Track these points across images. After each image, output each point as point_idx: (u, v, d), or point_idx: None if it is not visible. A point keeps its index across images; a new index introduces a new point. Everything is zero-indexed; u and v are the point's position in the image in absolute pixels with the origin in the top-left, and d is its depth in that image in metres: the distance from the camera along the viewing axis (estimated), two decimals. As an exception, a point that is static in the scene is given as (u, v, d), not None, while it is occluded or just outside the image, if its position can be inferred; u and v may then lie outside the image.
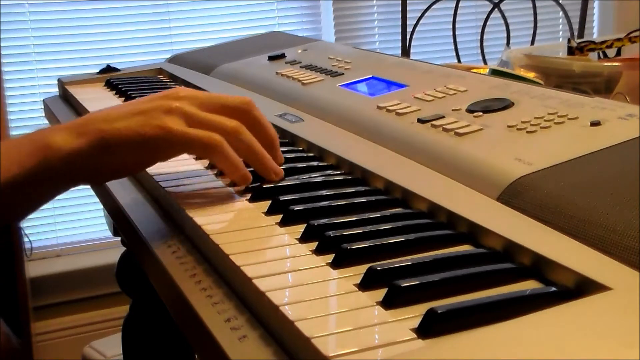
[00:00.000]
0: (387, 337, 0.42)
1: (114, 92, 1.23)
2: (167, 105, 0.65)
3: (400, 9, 2.14)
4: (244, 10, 2.47)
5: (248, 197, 0.66)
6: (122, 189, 0.76)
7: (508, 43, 2.06)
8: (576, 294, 0.45)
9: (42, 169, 0.62)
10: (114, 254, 1.37)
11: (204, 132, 0.64)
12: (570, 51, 1.25)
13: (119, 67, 1.40)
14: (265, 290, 0.47)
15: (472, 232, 0.55)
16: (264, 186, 0.67)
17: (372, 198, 0.64)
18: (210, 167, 0.76)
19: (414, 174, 0.67)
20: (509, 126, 0.69)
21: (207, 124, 0.65)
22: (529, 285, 0.48)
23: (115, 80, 1.27)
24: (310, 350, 0.41)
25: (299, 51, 1.21)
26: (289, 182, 0.68)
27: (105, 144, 0.62)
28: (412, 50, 2.14)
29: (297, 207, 0.61)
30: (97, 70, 1.38)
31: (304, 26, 2.56)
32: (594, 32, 2.86)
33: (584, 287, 0.45)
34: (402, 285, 0.46)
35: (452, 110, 0.76)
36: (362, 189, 0.67)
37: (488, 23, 2.11)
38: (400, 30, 2.14)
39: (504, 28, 2.08)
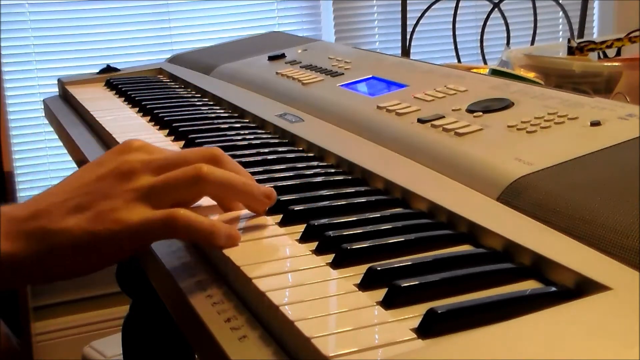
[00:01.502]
0: (387, 337, 0.42)
1: (114, 92, 1.23)
2: (121, 189, 0.55)
3: (400, 9, 2.14)
4: (244, 10, 2.47)
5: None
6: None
7: (508, 43, 2.06)
8: (576, 294, 0.45)
9: None
10: (114, 254, 1.37)
11: (161, 213, 0.54)
12: (570, 51, 1.25)
13: (119, 67, 1.40)
14: (265, 290, 0.47)
15: (472, 232, 0.55)
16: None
17: (372, 198, 0.64)
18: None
19: (414, 174, 0.67)
20: (509, 126, 0.69)
21: (164, 189, 0.56)
22: (529, 285, 0.48)
23: (115, 80, 1.27)
24: (310, 350, 0.41)
25: (299, 51, 1.21)
26: (289, 182, 0.68)
27: (51, 248, 0.54)
28: (412, 50, 2.14)
29: (297, 207, 0.61)
30: (97, 70, 1.38)
31: (304, 26, 2.56)
32: (594, 32, 2.86)
33: (584, 287, 0.45)
34: (402, 285, 0.46)
35: (452, 110, 0.76)
36: (362, 189, 0.66)
37: (488, 23, 2.11)
38: (400, 30, 2.14)
39: (504, 28, 2.08)
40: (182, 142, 0.86)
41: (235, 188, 0.59)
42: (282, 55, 1.19)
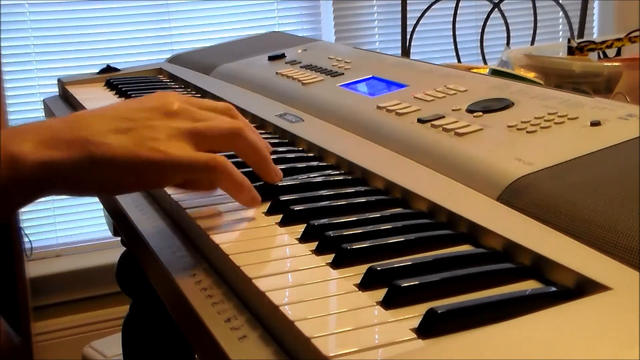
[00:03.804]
0: (387, 337, 0.42)
1: (114, 92, 1.23)
2: (164, 123, 0.59)
3: (400, 9, 2.14)
4: (244, 10, 2.47)
5: (248, 197, 0.66)
6: (122, 189, 0.76)
7: (508, 43, 2.06)
8: (576, 294, 0.45)
9: (8, 182, 0.54)
10: (114, 254, 1.37)
11: (206, 155, 0.59)
12: (570, 51, 1.25)
13: (119, 67, 1.40)
14: (265, 290, 0.48)
15: (472, 232, 0.55)
16: (264, 186, 0.67)
17: (372, 198, 0.64)
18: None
19: (414, 174, 0.67)
20: (509, 126, 0.69)
21: (206, 135, 0.60)
22: (529, 285, 0.48)
23: (115, 80, 1.27)
24: (310, 350, 0.41)
25: (299, 51, 1.21)
26: (289, 182, 0.68)
27: (92, 160, 0.55)
28: (412, 50, 2.14)
29: (297, 207, 0.61)
30: (97, 70, 1.38)
31: (304, 26, 2.56)
32: (594, 32, 2.86)
33: (584, 287, 0.45)
34: (402, 285, 0.46)
35: (452, 110, 0.76)
36: (362, 189, 0.67)
37: (488, 23, 2.11)
38: (400, 30, 2.14)
39: (504, 28, 2.08)
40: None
41: (260, 155, 0.64)
42: (282, 55, 1.19)
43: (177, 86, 1.24)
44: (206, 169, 0.59)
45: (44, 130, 0.56)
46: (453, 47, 2.13)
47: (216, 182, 0.62)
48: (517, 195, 0.57)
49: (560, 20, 2.70)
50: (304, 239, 0.57)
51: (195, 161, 0.58)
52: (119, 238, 1.22)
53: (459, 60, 2.10)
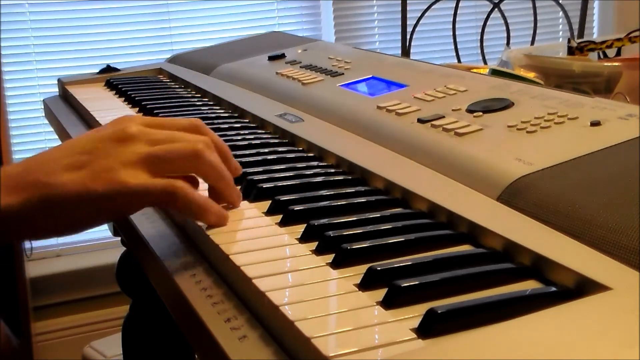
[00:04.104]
0: (387, 337, 0.42)
1: (114, 92, 1.23)
2: (119, 150, 0.57)
3: (400, 9, 2.14)
4: (244, 10, 2.47)
5: (248, 198, 0.66)
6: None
7: (508, 43, 2.06)
8: (576, 294, 0.45)
9: None
10: (114, 254, 1.37)
11: (162, 182, 0.56)
12: (570, 51, 1.25)
13: (119, 67, 1.40)
14: (265, 290, 0.48)
15: (472, 232, 0.55)
16: (264, 186, 0.67)
17: (372, 198, 0.64)
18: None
19: (414, 174, 0.67)
20: (509, 126, 0.69)
21: (164, 158, 0.58)
22: (529, 285, 0.48)
23: (115, 80, 1.27)
24: (310, 350, 0.41)
25: (299, 51, 1.21)
26: (289, 182, 0.68)
27: (48, 202, 0.54)
28: (412, 50, 2.14)
29: (297, 207, 0.61)
30: (97, 70, 1.38)
31: (304, 26, 2.56)
32: (594, 32, 2.86)
33: (584, 287, 0.45)
34: (402, 285, 0.46)
35: (452, 110, 0.76)
36: (362, 189, 0.67)
37: (488, 23, 2.11)
38: (400, 30, 2.14)
39: (504, 28, 2.08)
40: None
41: (221, 176, 0.61)
42: (282, 55, 1.19)
43: (177, 86, 1.24)
44: (163, 196, 0.56)
45: (4, 177, 0.55)
46: (453, 47, 2.13)
47: (175, 208, 0.59)
48: (517, 195, 0.57)
49: (560, 20, 2.70)
50: (304, 239, 0.57)
51: (152, 188, 0.56)
52: (119, 238, 1.22)
53: (459, 60, 2.10)
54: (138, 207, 0.58)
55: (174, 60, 1.43)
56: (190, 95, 1.15)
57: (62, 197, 0.54)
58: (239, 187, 0.67)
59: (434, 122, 0.73)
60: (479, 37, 2.11)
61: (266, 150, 0.80)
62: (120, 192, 0.55)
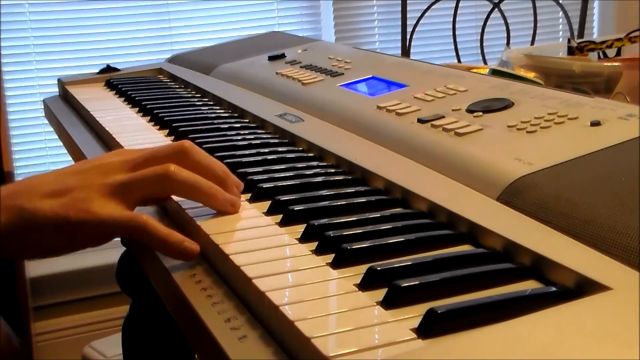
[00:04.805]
0: (387, 337, 0.42)
1: (114, 92, 1.23)
2: (99, 181, 0.59)
3: (400, 9, 2.14)
4: (244, 10, 2.47)
5: (248, 197, 0.66)
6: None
7: (508, 43, 2.06)
8: (576, 294, 0.45)
9: None
10: (114, 254, 1.37)
11: (126, 215, 0.58)
12: (570, 51, 1.25)
13: (119, 67, 1.40)
14: (265, 290, 0.48)
15: (472, 232, 0.55)
16: (264, 186, 0.67)
17: (372, 198, 0.64)
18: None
19: (414, 174, 0.67)
20: (509, 126, 0.69)
21: (135, 185, 0.60)
22: (529, 285, 0.48)
23: (115, 80, 1.27)
24: (310, 350, 0.41)
25: (299, 51, 1.21)
26: (289, 182, 0.68)
27: (25, 225, 0.57)
28: (412, 50, 2.14)
29: (297, 207, 0.61)
30: (97, 70, 1.38)
31: (304, 26, 2.56)
32: (594, 32, 2.85)
33: (584, 287, 0.45)
34: (402, 285, 0.46)
35: (452, 110, 0.76)
36: (362, 189, 0.67)
37: (488, 23, 2.11)
38: (400, 30, 2.14)
39: (504, 28, 2.08)
40: (182, 142, 0.86)
41: (199, 190, 0.61)
42: (282, 55, 1.19)
43: (177, 86, 1.24)
44: (126, 228, 0.58)
45: None
46: (453, 47, 2.13)
47: (141, 241, 0.60)
48: (517, 195, 0.57)
49: (560, 20, 2.70)
50: (304, 239, 0.57)
51: (118, 220, 0.58)
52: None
53: (459, 60, 2.10)
54: (109, 236, 0.59)
55: (174, 60, 1.43)
56: (190, 95, 1.15)
57: (37, 222, 0.57)
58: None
59: (434, 122, 0.73)
60: (479, 37, 2.11)
61: (266, 150, 0.80)
62: (89, 222, 0.57)
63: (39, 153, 2.32)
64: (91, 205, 0.58)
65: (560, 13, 2.22)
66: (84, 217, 0.57)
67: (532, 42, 2.09)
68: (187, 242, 0.58)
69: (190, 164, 0.62)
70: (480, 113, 0.74)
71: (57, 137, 1.21)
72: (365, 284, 0.48)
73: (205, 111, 1.01)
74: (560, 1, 2.07)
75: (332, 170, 0.72)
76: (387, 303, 0.46)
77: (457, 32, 2.14)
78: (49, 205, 0.57)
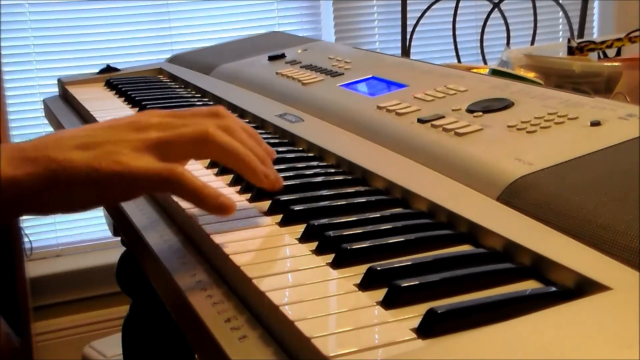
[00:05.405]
0: (387, 337, 0.42)
1: (114, 92, 1.23)
2: (132, 137, 0.58)
3: (400, 9, 2.14)
4: (244, 10, 2.47)
5: (248, 197, 0.66)
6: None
7: (508, 43, 2.06)
8: (576, 294, 0.45)
9: None
10: (114, 254, 1.37)
11: (160, 166, 0.56)
12: (570, 51, 1.25)
13: (119, 67, 1.40)
14: (265, 290, 0.48)
15: (472, 232, 0.55)
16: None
17: (372, 198, 0.64)
18: (210, 166, 0.76)
19: (414, 174, 0.67)
20: (509, 126, 0.69)
21: (170, 143, 0.58)
22: (529, 285, 0.48)
23: (115, 80, 1.27)
24: (310, 350, 0.41)
25: (299, 51, 1.21)
26: (289, 182, 0.68)
27: (54, 176, 0.55)
28: (412, 50, 2.14)
29: (297, 207, 0.61)
30: (97, 70, 1.38)
31: (304, 26, 2.56)
32: (594, 32, 2.86)
33: (584, 287, 0.45)
34: (402, 285, 0.46)
35: (452, 110, 0.76)
36: (362, 189, 0.67)
37: (488, 23, 2.11)
38: (400, 30, 2.14)
39: (504, 28, 2.08)
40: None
41: (237, 157, 0.60)
42: (282, 55, 1.19)
43: (177, 86, 1.24)
44: (161, 180, 0.56)
45: (12, 151, 0.56)
46: (453, 47, 2.13)
47: (174, 193, 0.59)
48: (517, 195, 0.57)
49: (560, 20, 2.70)
50: (304, 239, 0.57)
51: (151, 172, 0.56)
52: (119, 238, 1.22)
53: (459, 60, 2.10)
54: (140, 190, 0.59)
55: (174, 60, 1.43)
56: (190, 95, 1.15)
57: (67, 173, 0.55)
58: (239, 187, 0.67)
59: (434, 122, 0.73)
60: (479, 37, 2.11)
61: (266, 150, 0.80)
62: (121, 174, 0.55)
63: (39, 153, 2.32)
64: (124, 158, 0.56)
65: (560, 13, 2.22)
66: (116, 168, 0.55)
67: (532, 42, 2.09)
68: (223, 197, 0.57)
69: (222, 126, 0.60)
70: (480, 113, 0.74)
71: (57, 137, 1.20)
72: (365, 284, 0.48)
73: (205, 111, 1.01)
74: (560, 1, 2.07)
75: (332, 170, 0.72)
76: (387, 303, 0.46)
77: (457, 32, 2.14)
78: (79, 156, 0.55)
